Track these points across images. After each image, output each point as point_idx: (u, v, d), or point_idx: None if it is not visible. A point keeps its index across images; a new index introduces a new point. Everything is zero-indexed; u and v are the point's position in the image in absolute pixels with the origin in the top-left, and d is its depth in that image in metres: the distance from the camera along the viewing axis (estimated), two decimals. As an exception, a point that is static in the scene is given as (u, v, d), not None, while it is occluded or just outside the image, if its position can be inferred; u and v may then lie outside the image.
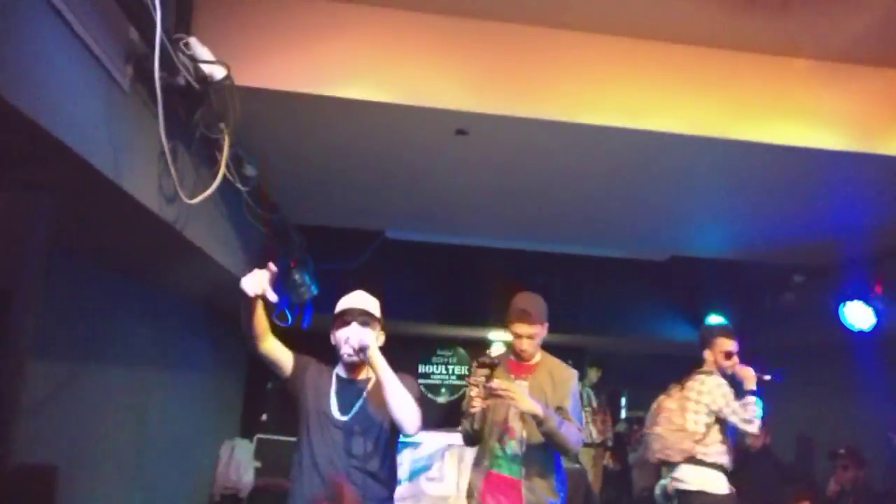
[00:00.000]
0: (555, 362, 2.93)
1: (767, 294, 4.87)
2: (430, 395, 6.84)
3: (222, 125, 2.57)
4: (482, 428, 2.85)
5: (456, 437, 4.97)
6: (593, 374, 6.29)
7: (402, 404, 2.28)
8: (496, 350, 6.23)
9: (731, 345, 3.51)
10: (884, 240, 3.93)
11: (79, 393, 3.04)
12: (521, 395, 2.61)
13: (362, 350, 2.28)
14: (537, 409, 2.59)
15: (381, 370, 2.28)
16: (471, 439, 2.94)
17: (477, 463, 2.95)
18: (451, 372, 7.12)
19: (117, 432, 3.40)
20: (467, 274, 5.51)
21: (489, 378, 2.62)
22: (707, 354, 3.56)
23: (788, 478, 4.88)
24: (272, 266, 2.25)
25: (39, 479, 2.57)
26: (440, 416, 6.02)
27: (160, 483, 3.96)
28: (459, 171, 3.25)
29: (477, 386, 2.62)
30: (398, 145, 2.97)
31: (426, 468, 4.67)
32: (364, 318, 2.39)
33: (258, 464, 5.72)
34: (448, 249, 5.24)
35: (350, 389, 2.43)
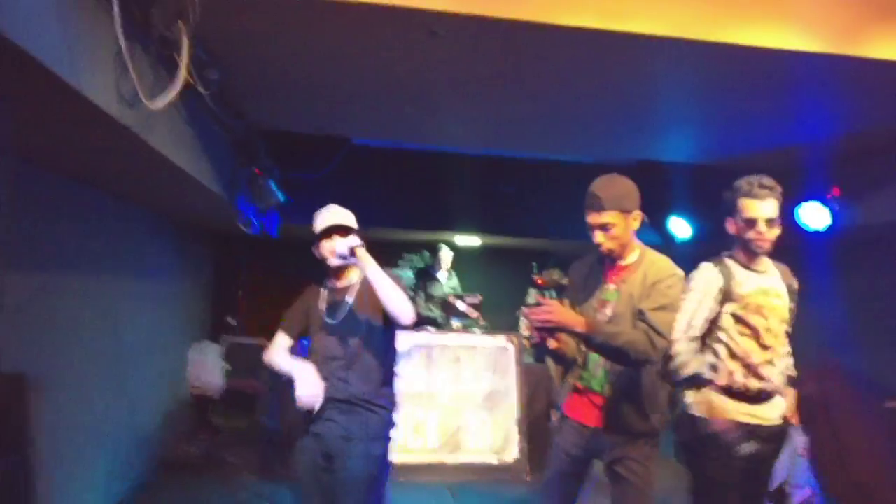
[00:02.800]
0: (654, 261, 2.43)
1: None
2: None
3: (181, 24, 2.43)
4: (565, 350, 2.46)
5: (423, 338, 5.13)
6: (557, 276, 6.49)
7: (394, 295, 2.47)
8: (448, 258, 6.22)
9: (756, 208, 2.56)
10: (846, 144, 3.99)
11: (53, 303, 3.02)
12: (558, 313, 2.24)
13: (352, 252, 2.48)
14: (576, 324, 2.24)
15: (370, 266, 2.48)
16: (559, 362, 2.62)
17: (566, 375, 2.59)
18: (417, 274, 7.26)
19: (94, 340, 3.42)
20: (434, 180, 5.49)
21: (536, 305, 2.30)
22: (730, 225, 2.65)
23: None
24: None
25: (25, 388, 2.60)
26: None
27: (138, 387, 4.03)
28: (430, 74, 3.15)
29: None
30: (368, 47, 2.84)
31: (396, 367, 4.85)
32: (344, 231, 2.60)
33: (228, 366, 5.83)
34: (415, 156, 5.19)
35: (339, 295, 2.68)
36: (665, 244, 5.66)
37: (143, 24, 2.31)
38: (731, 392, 2.57)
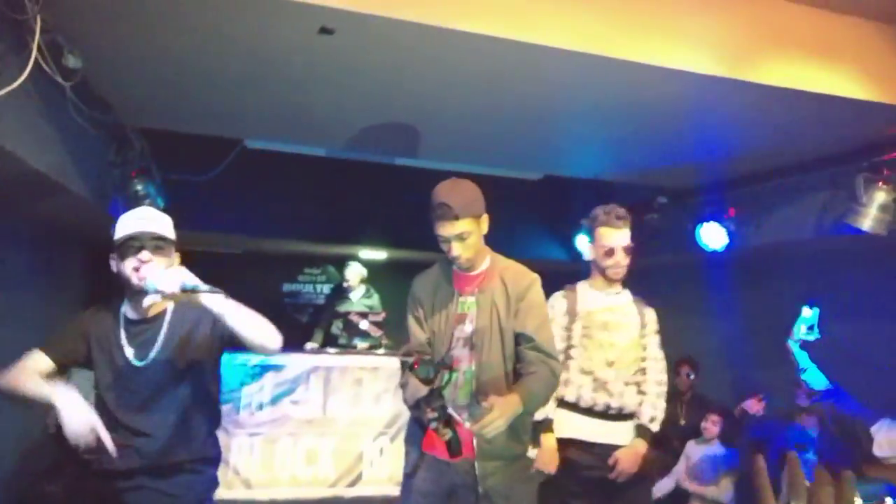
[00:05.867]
0: (509, 268, 2.33)
1: (633, 215, 5.02)
2: (295, 315, 6.62)
3: (31, 4, 2.12)
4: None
5: (321, 359, 4.83)
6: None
7: (255, 325, 1.97)
8: (354, 274, 5.90)
9: (614, 236, 2.75)
10: (739, 165, 4.12)
11: None
12: (507, 415, 1.97)
13: (184, 291, 1.86)
14: (512, 412, 1.98)
15: (214, 303, 1.90)
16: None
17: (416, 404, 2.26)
18: (319, 291, 6.91)
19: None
20: (335, 188, 5.24)
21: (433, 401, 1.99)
22: (588, 251, 2.86)
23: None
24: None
25: None
26: (305, 336, 5.83)
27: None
28: (325, 76, 2.93)
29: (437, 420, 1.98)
30: (255, 42, 2.60)
31: (290, 391, 4.50)
32: (157, 242, 2.01)
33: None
34: (314, 162, 4.92)
35: (144, 331, 2.09)
36: (573, 260, 5.68)
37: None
38: (580, 408, 2.68)
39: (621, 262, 2.77)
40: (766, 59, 2.84)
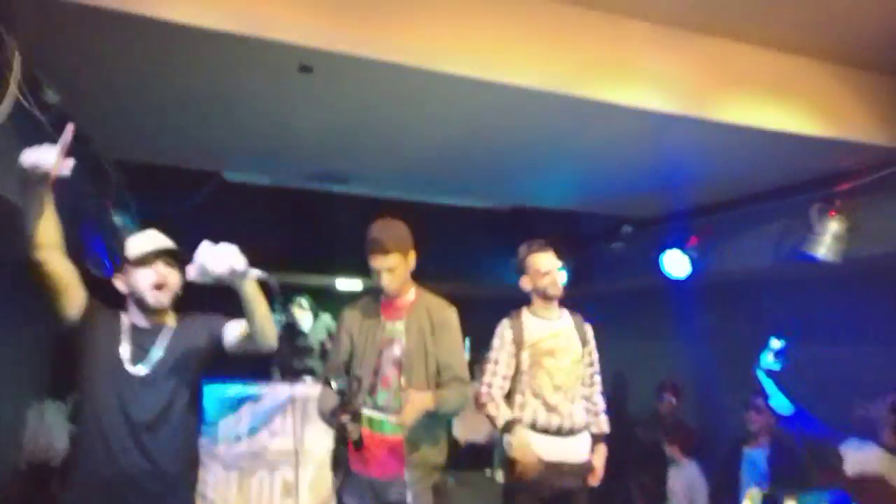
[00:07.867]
0: (433, 300, 2.63)
1: (599, 243, 5.15)
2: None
3: (10, 38, 2.16)
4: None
5: (298, 389, 4.82)
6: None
7: (268, 317, 2.07)
8: (297, 310, 6.05)
9: (545, 260, 3.07)
10: (701, 195, 4.27)
11: None
12: (419, 409, 2.35)
13: (233, 273, 1.85)
14: (424, 406, 2.37)
15: (253, 293, 2.00)
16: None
17: (348, 427, 2.45)
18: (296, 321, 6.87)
19: None
20: (313, 220, 5.29)
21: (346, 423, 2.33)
22: (525, 282, 3.12)
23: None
24: (69, 131, 1.84)
25: None
26: (281, 367, 5.80)
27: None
28: (304, 112, 3.01)
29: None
30: (233, 79, 2.67)
31: (267, 422, 4.48)
32: (169, 258, 2.18)
33: (74, 427, 5.18)
34: (292, 194, 4.96)
35: (148, 339, 2.16)
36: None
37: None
38: (537, 429, 2.93)
39: (557, 279, 3.06)
40: (722, 98, 2.94)
